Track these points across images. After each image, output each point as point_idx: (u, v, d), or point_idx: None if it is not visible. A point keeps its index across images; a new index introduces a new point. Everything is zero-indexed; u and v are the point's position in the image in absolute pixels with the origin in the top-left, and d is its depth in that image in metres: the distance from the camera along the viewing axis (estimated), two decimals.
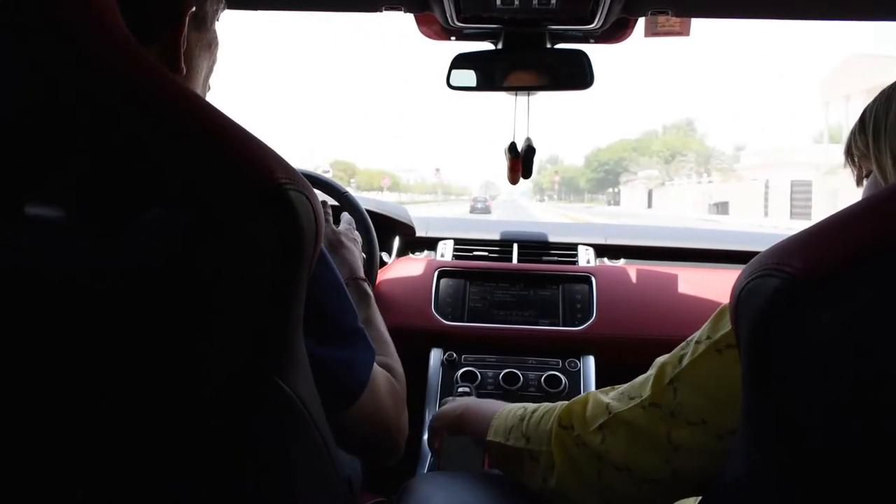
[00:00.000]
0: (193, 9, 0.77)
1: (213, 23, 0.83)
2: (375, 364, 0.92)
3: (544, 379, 1.71)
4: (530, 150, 1.55)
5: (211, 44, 0.82)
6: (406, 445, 1.28)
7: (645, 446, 0.75)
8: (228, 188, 0.57)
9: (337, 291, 0.86)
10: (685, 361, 0.75)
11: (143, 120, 0.56)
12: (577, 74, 1.46)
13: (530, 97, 1.55)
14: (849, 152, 0.86)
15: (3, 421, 0.59)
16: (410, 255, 2.10)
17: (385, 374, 0.98)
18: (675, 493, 0.77)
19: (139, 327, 0.57)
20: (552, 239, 2.09)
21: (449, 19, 1.41)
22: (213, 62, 0.84)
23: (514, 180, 1.59)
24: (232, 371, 0.60)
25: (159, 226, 0.55)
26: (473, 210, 47.72)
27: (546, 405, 0.91)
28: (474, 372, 1.74)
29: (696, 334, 0.76)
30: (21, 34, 0.55)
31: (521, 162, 1.56)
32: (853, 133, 0.84)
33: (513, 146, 1.56)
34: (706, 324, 0.76)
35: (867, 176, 0.83)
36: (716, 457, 0.68)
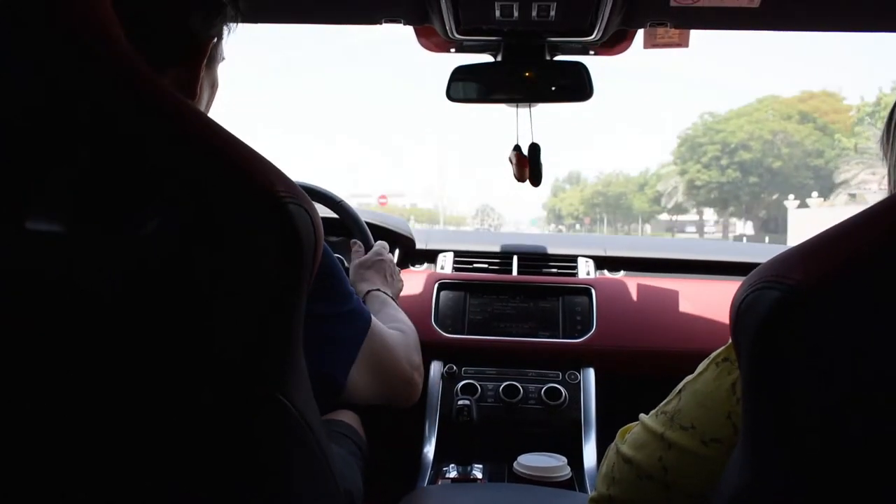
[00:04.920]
0: (215, 41, 0.79)
1: (217, 65, 0.85)
2: (378, 323, 1.08)
3: (544, 391, 1.70)
4: (535, 150, 1.54)
5: (213, 84, 0.85)
6: (406, 459, 1.29)
7: (646, 442, 0.81)
8: (228, 201, 0.57)
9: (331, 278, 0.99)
10: (696, 373, 0.80)
11: (143, 119, 0.57)
12: (576, 86, 1.46)
13: (531, 109, 1.55)
14: (881, 142, 0.85)
15: (3, 423, 0.59)
16: (410, 267, 2.10)
17: (389, 330, 1.13)
18: (669, 497, 0.79)
19: (137, 329, 0.56)
20: (552, 251, 2.09)
21: (448, 31, 1.42)
22: (211, 102, 0.87)
23: (521, 177, 1.56)
24: (230, 380, 0.60)
25: (160, 223, 0.55)
26: None
27: None
28: (474, 384, 1.73)
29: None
30: (23, 35, 0.55)
31: (527, 160, 1.55)
32: (887, 121, 0.83)
33: (518, 147, 1.55)
34: None
35: None
36: (700, 461, 0.74)
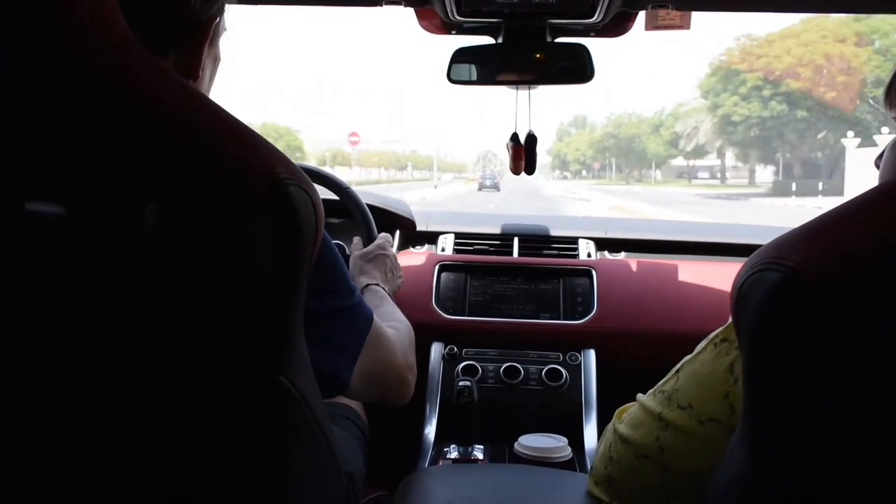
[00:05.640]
0: (218, 20, 0.78)
1: (219, 39, 0.84)
2: (378, 320, 1.04)
3: (545, 373, 1.71)
4: (531, 139, 1.54)
5: (216, 59, 0.84)
6: (407, 440, 1.29)
7: (643, 422, 0.81)
8: (229, 183, 0.57)
9: (333, 266, 0.95)
10: (694, 353, 0.80)
11: (143, 118, 0.57)
12: (577, 68, 1.46)
13: (531, 90, 1.55)
14: (888, 94, 0.84)
15: (3, 422, 0.59)
16: (411, 249, 2.10)
17: (387, 328, 1.09)
18: (667, 478, 0.80)
19: (139, 325, 0.57)
20: (553, 232, 2.09)
21: (449, 13, 1.41)
22: (214, 76, 0.86)
23: (517, 169, 1.57)
24: (234, 366, 0.60)
25: (159, 223, 0.55)
26: (482, 188, 42.37)
27: None
28: (475, 366, 1.74)
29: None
30: (22, 35, 0.55)
31: (524, 150, 1.55)
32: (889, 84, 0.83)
33: (514, 136, 1.55)
34: None
35: None
36: (697, 440, 0.74)
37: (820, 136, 35.47)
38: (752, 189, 38.53)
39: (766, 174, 41.08)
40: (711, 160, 47.77)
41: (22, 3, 0.55)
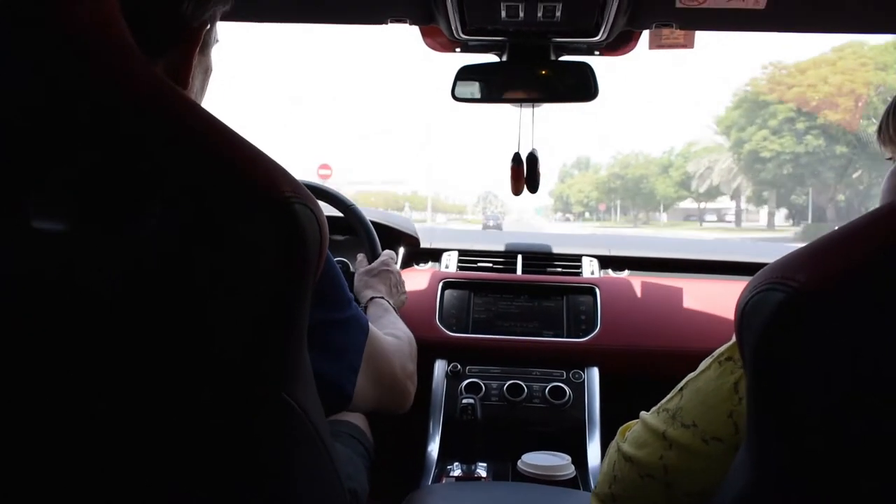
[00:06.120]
0: (208, 27, 0.77)
1: (211, 49, 0.83)
2: (375, 329, 1.05)
3: (548, 390, 1.71)
4: (532, 159, 1.54)
5: (207, 69, 0.83)
6: (410, 458, 1.28)
7: (647, 441, 0.81)
8: (230, 202, 0.57)
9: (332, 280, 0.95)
10: (698, 371, 0.79)
11: (143, 119, 0.57)
12: (581, 86, 1.46)
13: (535, 109, 1.55)
14: (880, 132, 0.86)
15: (3, 422, 0.59)
16: (415, 266, 2.11)
17: (385, 337, 1.09)
18: (671, 497, 0.79)
19: (139, 324, 0.57)
20: (557, 250, 2.09)
21: (454, 31, 1.42)
22: (206, 87, 0.85)
23: (517, 190, 1.57)
24: (232, 379, 0.60)
25: (160, 224, 0.55)
26: (486, 227, 42.07)
27: None
28: (478, 383, 1.74)
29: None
30: (22, 35, 0.56)
31: (523, 170, 1.55)
32: (889, 113, 0.84)
33: (517, 156, 1.55)
34: None
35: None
36: (700, 459, 0.74)
37: (856, 175, 31.96)
38: (773, 233, 34.35)
39: (778, 217, 38.78)
40: (722, 202, 45.40)
41: (22, 3, 0.56)
